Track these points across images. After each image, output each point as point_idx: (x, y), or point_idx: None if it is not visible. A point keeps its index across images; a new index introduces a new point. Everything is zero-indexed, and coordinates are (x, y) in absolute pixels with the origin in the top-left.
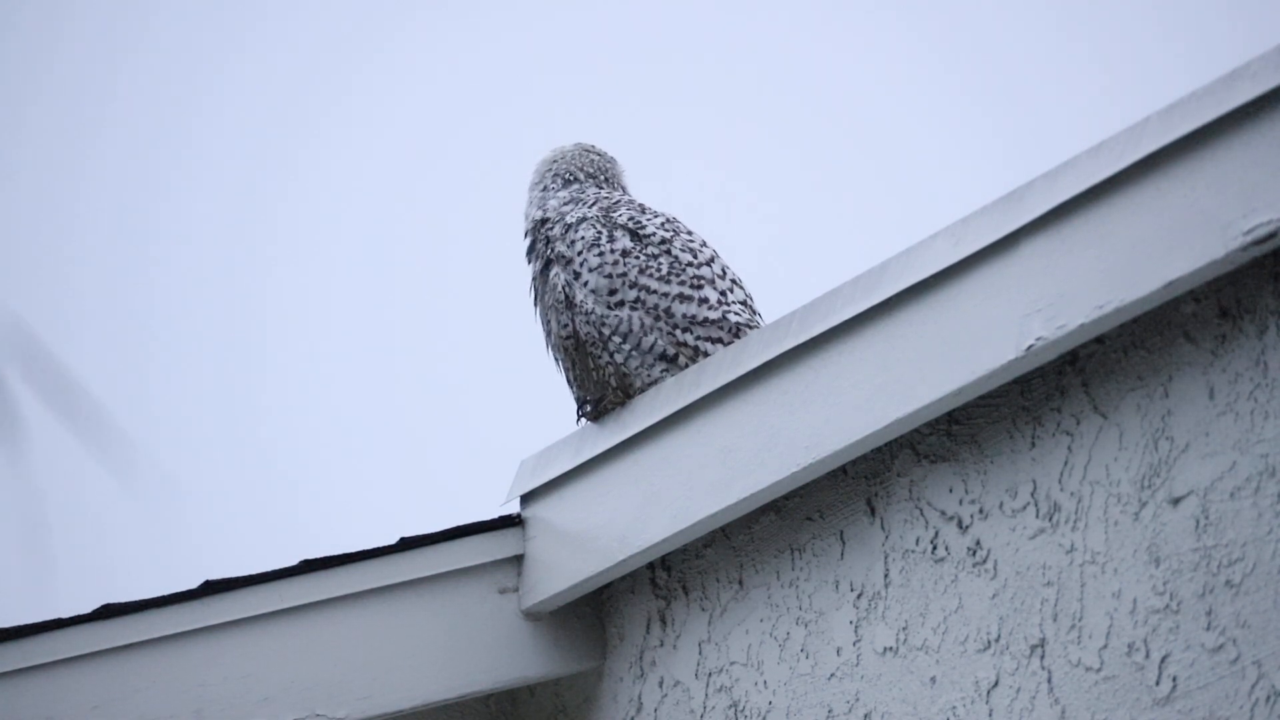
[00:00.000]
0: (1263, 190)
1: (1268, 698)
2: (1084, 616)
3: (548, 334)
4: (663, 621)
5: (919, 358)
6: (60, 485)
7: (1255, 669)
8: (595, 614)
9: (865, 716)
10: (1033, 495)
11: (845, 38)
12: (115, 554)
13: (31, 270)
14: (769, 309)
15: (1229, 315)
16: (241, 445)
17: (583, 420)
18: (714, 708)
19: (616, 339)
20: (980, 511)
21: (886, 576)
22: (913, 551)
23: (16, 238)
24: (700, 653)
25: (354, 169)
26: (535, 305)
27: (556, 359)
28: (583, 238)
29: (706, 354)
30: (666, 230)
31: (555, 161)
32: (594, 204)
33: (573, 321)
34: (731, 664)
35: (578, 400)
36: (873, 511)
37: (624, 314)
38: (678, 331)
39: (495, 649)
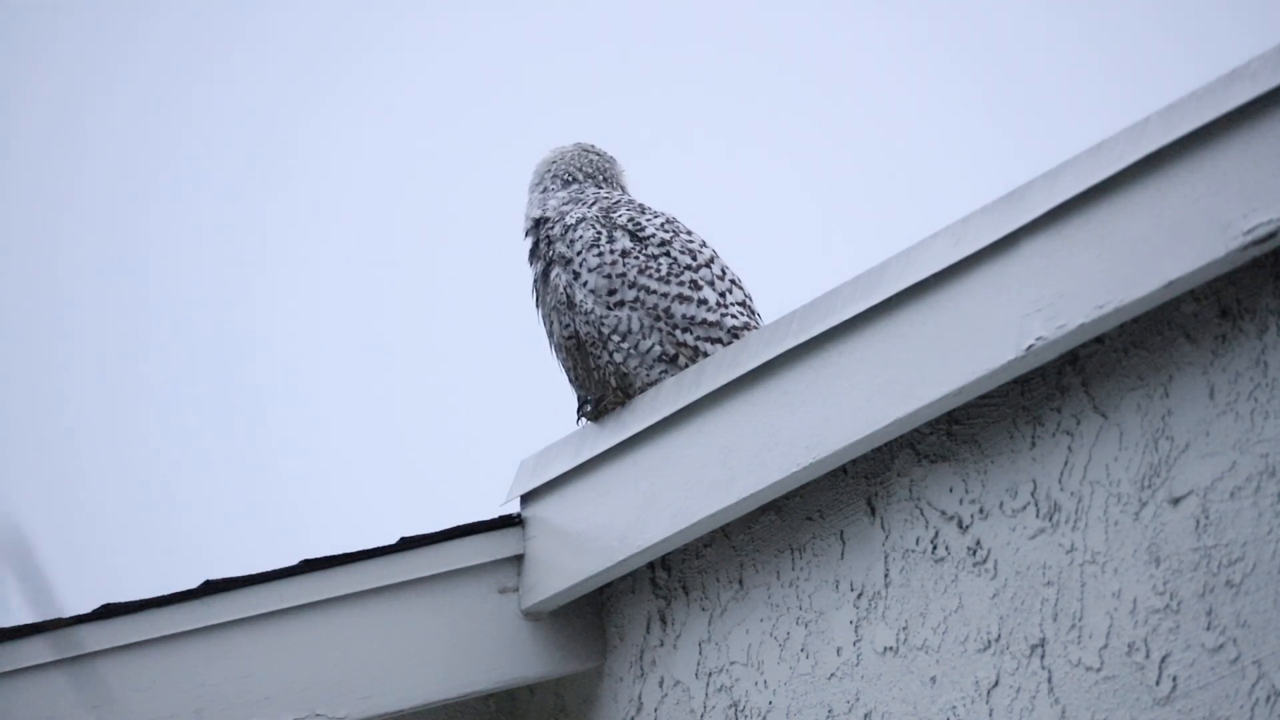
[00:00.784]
0: (1263, 190)
1: (1268, 698)
2: (1084, 616)
3: (550, 334)
4: (663, 621)
5: (919, 358)
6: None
7: (1255, 669)
8: (595, 614)
9: (865, 716)
10: (1033, 495)
11: (851, 31)
12: (115, 554)
13: (26, 271)
14: (770, 308)
15: (1229, 315)
16: (240, 445)
17: (583, 420)
18: (714, 707)
19: (616, 339)
20: (980, 511)
21: (886, 576)
22: (913, 551)
23: (10, 238)
24: (700, 652)
25: (349, 168)
26: (538, 307)
27: (558, 359)
28: (582, 238)
29: (706, 354)
30: (666, 231)
31: (555, 162)
32: (593, 204)
33: (574, 322)
34: (731, 664)
35: (578, 400)
36: (873, 511)
37: (623, 314)
38: (677, 332)
39: (495, 649)
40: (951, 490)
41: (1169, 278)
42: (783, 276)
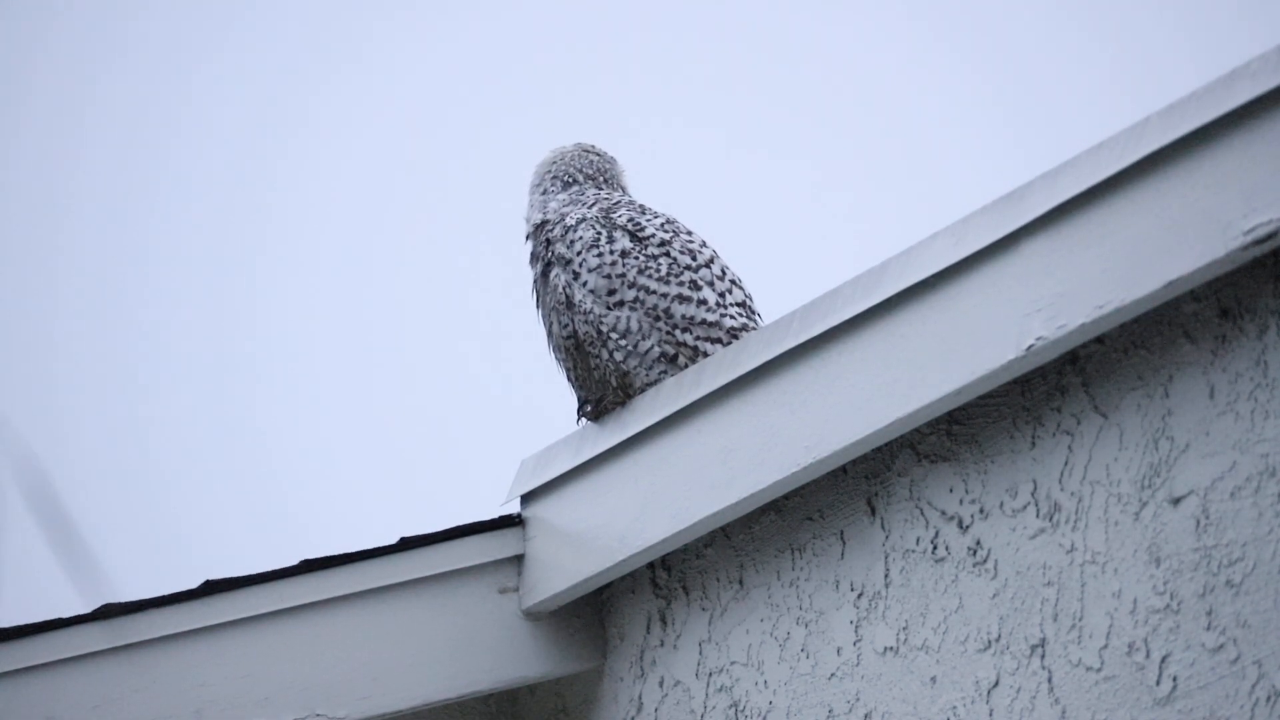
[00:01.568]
0: (1263, 190)
1: (1268, 698)
2: (1084, 616)
3: (549, 335)
4: (663, 621)
5: (919, 358)
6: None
7: (1255, 669)
8: (595, 614)
9: (865, 716)
10: (1033, 495)
11: (857, 26)
12: (115, 555)
13: (23, 274)
14: (775, 306)
15: (1229, 315)
16: (238, 446)
17: (583, 420)
18: (714, 707)
19: (615, 338)
20: (980, 511)
21: (887, 576)
22: (913, 551)
23: (7, 240)
24: (700, 652)
25: (343, 168)
26: (538, 307)
27: (558, 359)
28: (582, 238)
29: (706, 354)
30: (666, 231)
31: (555, 163)
32: (593, 205)
33: (572, 321)
34: (732, 664)
35: (578, 400)
36: (873, 511)
37: (623, 314)
38: (677, 332)
39: (495, 649)
40: (951, 490)
41: (1169, 278)
42: (788, 273)
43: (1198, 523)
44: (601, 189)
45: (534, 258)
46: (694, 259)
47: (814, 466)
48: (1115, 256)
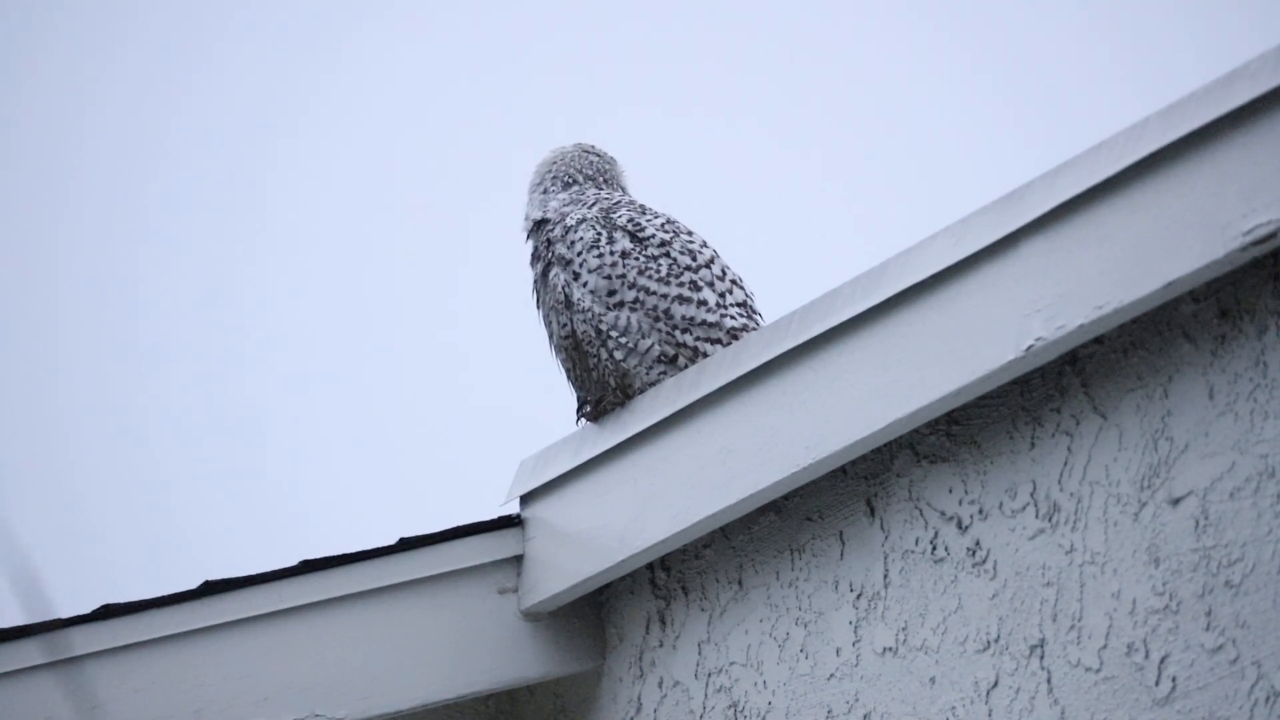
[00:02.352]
0: (1263, 190)
1: (1267, 698)
2: (1083, 617)
3: (549, 335)
4: (662, 622)
5: (919, 358)
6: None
7: (1255, 669)
8: (595, 614)
9: (865, 717)
10: (1032, 495)
11: (862, 22)
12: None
13: (21, 276)
14: (774, 306)
15: (1229, 315)
16: (236, 447)
17: (582, 420)
18: (713, 708)
19: (614, 338)
20: (980, 512)
21: (886, 577)
22: (912, 552)
23: (4, 242)
24: (700, 653)
25: (341, 168)
26: (538, 307)
27: (558, 359)
28: (582, 239)
29: (706, 354)
30: (666, 232)
31: (555, 163)
32: (593, 205)
33: (571, 321)
34: (731, 664)
35: (578, 400)
36: (872, 512)
37: (623, 315)
38: (677, 332)
39: (495, 649)
40: (951, 491)
41: (1169, 278)
42: (790, 271)
43: (1197, 523)
44: (602, 189)
45: (534, 258)
46: (694, 259)
47: (813, 467)
48: (1115, 257)
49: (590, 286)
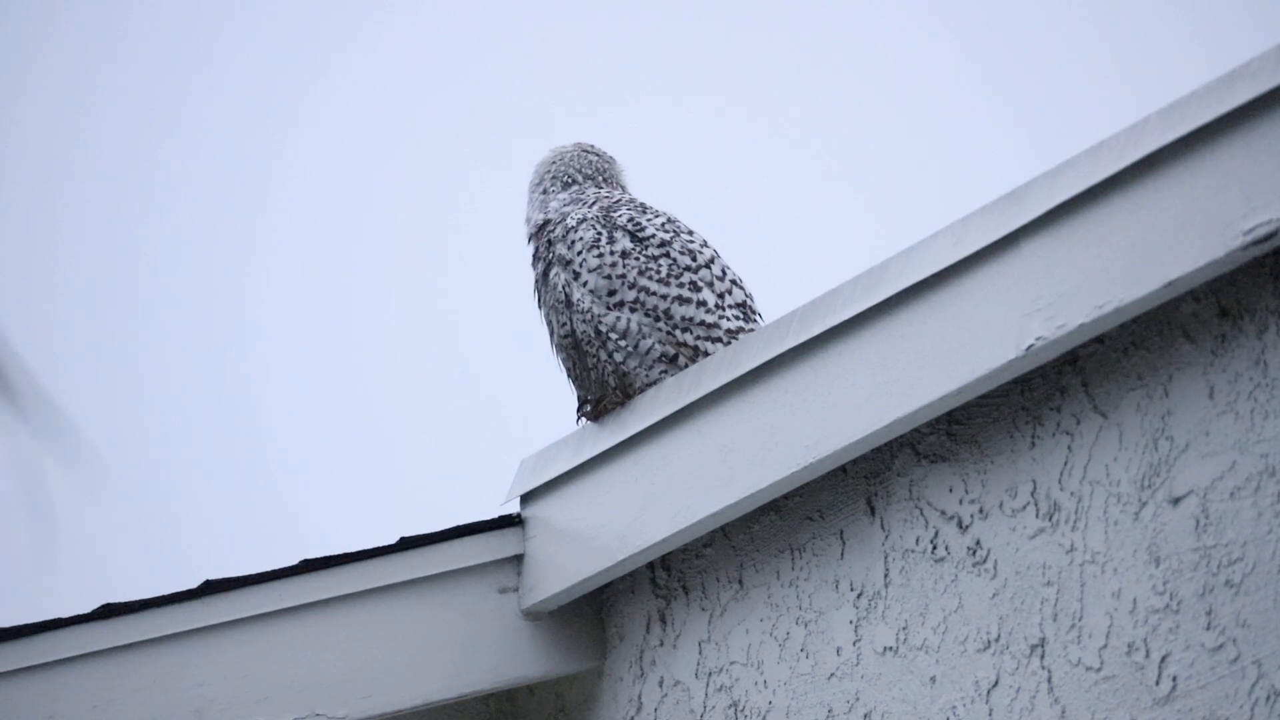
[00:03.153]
0: (1263, 190)
1: (1268, 697)
2: (1084, 616)
3: (550, 334)
4: (663, 621)
5: (919, 357)
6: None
7: (1255, 669)
8: (595, 614)
9: (865, 716)
10: (1033, 495)
11: (867, 20)
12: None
13: (19, 276)
14: (775, 303)
15: (1229, 315)
16: (234, 447)
17: (582, 420)
18: (714, 707)
19: (614, 339)
20: (980, 511)
21: (886, 576)
22: (913, 551)
23: (2, 242)
24: (700, 652)
25: (338, 166)
26: (539, 307)
27: (558, 359)
28: (582, 239)
29: (706, 354)
30: (666, 231)
31: (554, 163)
32: (594, 204)
33: (571, 321)
34: (731, 664)
35: (578, 400)
36: (873, 511)
37: (623, 315)
38: (677, 332)
39: (495, 649)
40: (951, 490)
41: (1169, 278)
42: (793, 267)
43: (1197, 522)
44: (602, 188)
45: (535, 258)
46: (694, 259)
47: (814, 466)
48: (1115, 256)
49: (590, 286)
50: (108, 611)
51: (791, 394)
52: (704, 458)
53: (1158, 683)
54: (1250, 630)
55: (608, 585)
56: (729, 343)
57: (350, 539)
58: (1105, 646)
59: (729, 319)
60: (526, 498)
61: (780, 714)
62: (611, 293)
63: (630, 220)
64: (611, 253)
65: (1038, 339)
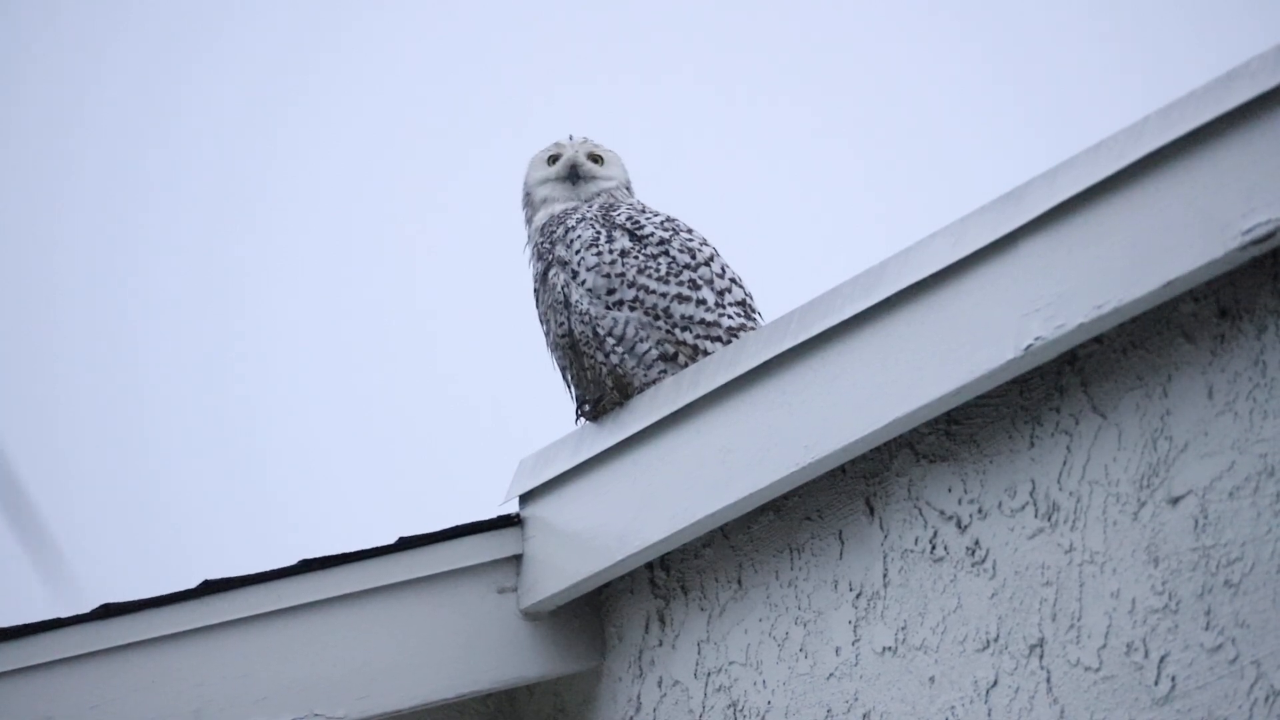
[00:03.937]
0: (1262, 190)
1: (1267, 697)
2: (1083, 616)
3: (547, 334)
4: (661, 621)
5: (918, 357)
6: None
7: (1254, 669)
8: (594, 614)
9: (864, 716)
10: (1031, 495)
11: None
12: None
13: (19, 275)
14: (775, 305)
15: (1228, 315)
16: (233, 447)
17: (581, 420)
18: (713, 707)
19: (612, 339)
20: (979, 511)
21: (885, 576)
22: (911, 551)
23: (2, 242)
24: (699, 652)
25: (336, 166)
26: (538, 307)
27: (556, 358)
28: (581, 238)
29: (706, 353)
30: (665, 230)
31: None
32: (594, 204)
33: (568, 321)
34: (730, 664)
35: (577, 400)
36: (871, 511)
37: (623, 314)
38: (677, 330)
39: (494, 649)
40: (950, 490)
41: (1168, 278)
42: (794, 267)
43: (1196, 522)
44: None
45: (536, 256)
46: (693, 258)
47: (813, 466)
48: (1114, 256)
49: (589, 285)
50: (106, 611)
51: (790, 394)
52: (703, 458)
53: (1156, 683)
54: (1249, 630)
55: (607, 585)
56: (729, 341)
57: (349, 539)
58: (1104, 646)
59: (729, 317)
60: (525, 498)
61: (779, 714)
62: (610, 291)
63: (629, 219)
64: (610, 251)
65: (1036, 339)
